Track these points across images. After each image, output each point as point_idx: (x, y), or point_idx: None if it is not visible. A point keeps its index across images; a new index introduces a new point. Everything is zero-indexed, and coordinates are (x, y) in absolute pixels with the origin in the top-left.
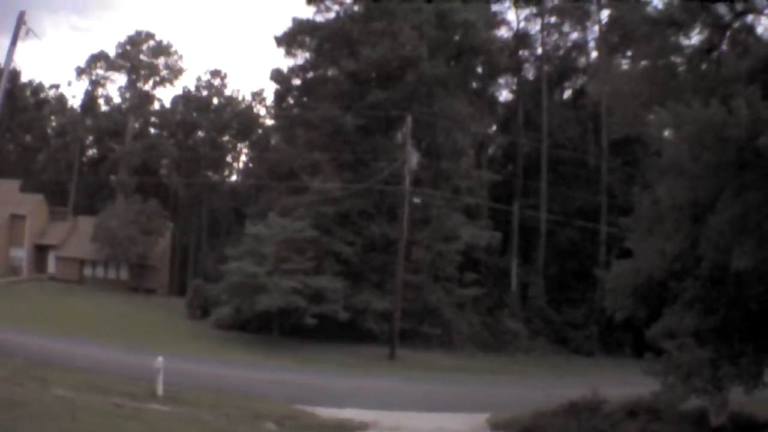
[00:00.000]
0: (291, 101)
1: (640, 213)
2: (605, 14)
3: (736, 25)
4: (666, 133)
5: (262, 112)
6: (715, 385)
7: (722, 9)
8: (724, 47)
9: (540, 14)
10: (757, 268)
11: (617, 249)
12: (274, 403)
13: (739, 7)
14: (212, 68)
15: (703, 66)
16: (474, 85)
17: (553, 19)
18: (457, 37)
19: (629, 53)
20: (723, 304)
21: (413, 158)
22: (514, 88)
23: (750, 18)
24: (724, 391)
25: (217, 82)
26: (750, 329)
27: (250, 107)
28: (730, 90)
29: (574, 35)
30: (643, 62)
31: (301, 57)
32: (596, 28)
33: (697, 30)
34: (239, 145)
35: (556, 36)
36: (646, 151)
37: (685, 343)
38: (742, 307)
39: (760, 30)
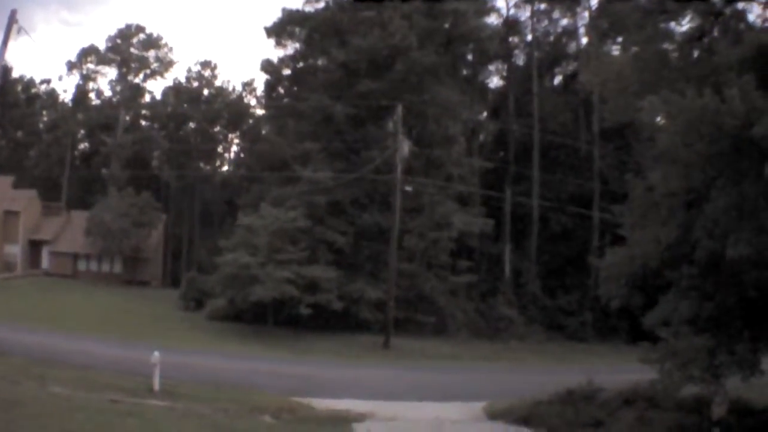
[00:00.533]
0: (282, 91)
1: (634, 200)
2: (595, 0)
3: (728, 11)
4: (658, 119)
5: (253, 102)
6: (712, 373)
7: None
8: (716, 34)
9: (530, 1)
10: (752, 255)
11: (611, 235)
12: (270, 396)
13: None
14: (203, 59)
15: (695, 53)
16: (464, 72)
17: (543, 6)
18: (446, 25)
19: (620, 39)
20: (719, 292)
21: (404, 147)
22: (505, 74)
23: (742, 5)
24: (723, 383)
25: (207, 73)
26: (746, 316)
27: (240, 98)
28: (723, 78)
29: (564, 21)
30: (634, 49)
31: (291, 47)
32: (586, 14)
33: (688, 17)
34: (230, 135)
35: (546, 22)
36: (638, 137)
37: (681, 331)
38: (738, 294)
39: (752, 17)
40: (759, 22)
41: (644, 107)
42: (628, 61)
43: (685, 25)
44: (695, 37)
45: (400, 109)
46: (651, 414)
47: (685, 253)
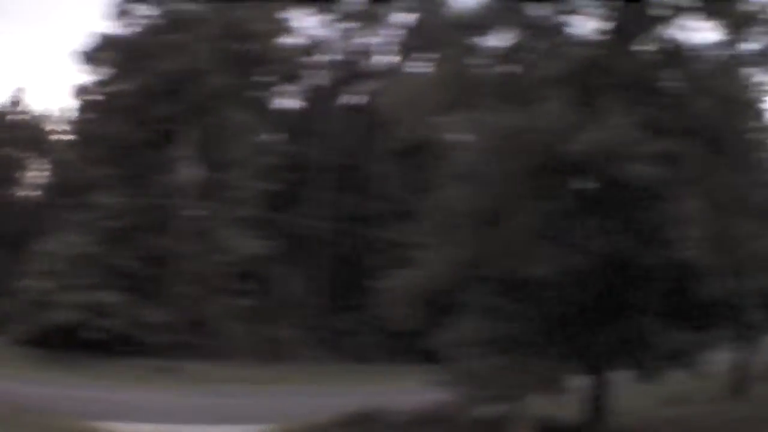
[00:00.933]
0: (88, 117)
1: (430, 219)
2: (404, 18)
3: (548, 25)
4: (463, 138)
5: (60, 128)
6: (511, 393)
7: (534, 9)
8: (534, 49)
9: (333, 20)
10: (554, 275)
11: (399, 257)
12: (65, 419)
13: (551, 8)
14: (15, 85)
15: (512, 69)
16: (262, 94)
17: (346, 25)
18: (246, 47)
19: (430, 57)
20: (517, 312)
21: (191, 171)
22: (303, 95)
23: (563, 18)
24: (521, 403)
25: (18, 98)
26: (546, 336)
27: (47, 123)
28: (539, 94)
29: (368, 40)
30: (444, 66)
31: (101, 72)
32: (392, 32)
33: (505, 32)
34: (35, 161)
35: (348, 41)
36: (434, 157)
37: (478, 351)
38: (538, 314)
39: (573, 30)
40: (582, 33)
41: (449, 126)
42: (438, 79)
43: (500, 39)
44: (512, 52)
45: (190, 134)
46: None
47: (484, 272)
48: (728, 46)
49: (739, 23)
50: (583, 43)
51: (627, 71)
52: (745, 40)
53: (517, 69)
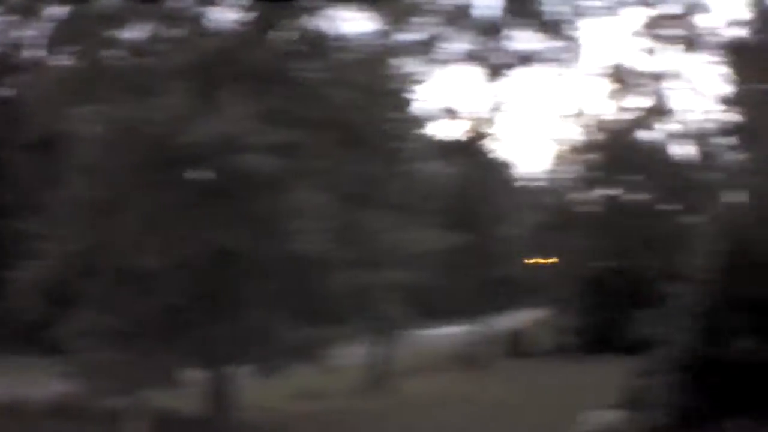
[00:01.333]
0: None
1: (51, 211)
2: (58, 11)
3: (184, 16)
4: (89, 130)
5: None
6: (128, 386)
7: (172, 1)
8: (167, 40)
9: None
10: (166, 267)
11: (29, 248)
12: None
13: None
14: None
15: (144, 61)
16: None
17: (5, 19)
18: None
19: (73, 50)
20: (132, 303)
21: None
22: None
23: (200, 9)
24: (138, 395)
25: None
26: (161, 329)
27: None
28: (161, 86)
29: (23, 33)
30: (81, 58)
31: None
32: (46, 25)
33: (143, 23)
34: None
35: (5, 35)
36: (65, 149)
37: (96, 343)
38: (152, 306)
39: (210, 22)
40: (218, 24)
41: (80, 117)
42: (75, 71)
43: (140, 32)
44: (146, 43)
45: None
46: (68, 427)
47: (100, 263)
48: (382, 36)
49: (397, 14)
50: (213, 33)
51: (256, 62)
52: (402, 31)
53: (148, 61)
